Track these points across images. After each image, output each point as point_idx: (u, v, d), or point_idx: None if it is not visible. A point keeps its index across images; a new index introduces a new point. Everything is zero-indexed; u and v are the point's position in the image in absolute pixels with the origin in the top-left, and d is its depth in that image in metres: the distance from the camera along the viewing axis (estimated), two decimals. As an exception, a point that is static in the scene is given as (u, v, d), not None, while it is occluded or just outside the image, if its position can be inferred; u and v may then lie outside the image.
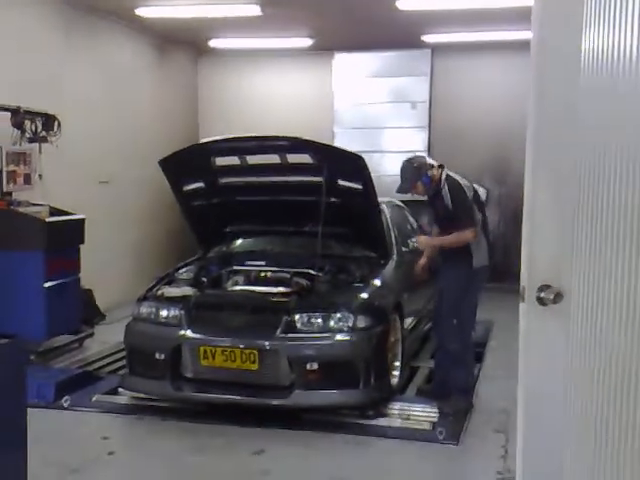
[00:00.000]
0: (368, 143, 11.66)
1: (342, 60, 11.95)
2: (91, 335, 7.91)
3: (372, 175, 6.04)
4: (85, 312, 8.00)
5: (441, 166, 5.76)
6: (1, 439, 3.06)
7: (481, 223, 5.78)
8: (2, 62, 7.50)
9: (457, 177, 5.73)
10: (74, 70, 8.87)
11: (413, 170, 5.69)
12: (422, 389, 6.27)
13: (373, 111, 11.96)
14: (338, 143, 11.20)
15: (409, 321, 6.62)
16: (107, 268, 9.35)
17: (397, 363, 6.17)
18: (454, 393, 5.83)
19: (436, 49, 11.52)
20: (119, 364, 6.81)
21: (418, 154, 5.84)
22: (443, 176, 5.68)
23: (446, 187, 5.65)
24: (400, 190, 5.80)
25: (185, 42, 11.58)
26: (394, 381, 6.03)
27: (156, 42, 10.95)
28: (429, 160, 5.84)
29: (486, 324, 8.54)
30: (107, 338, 7.72)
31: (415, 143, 11.76)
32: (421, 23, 9.93)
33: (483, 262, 5.77)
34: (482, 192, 5.87)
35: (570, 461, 2.55)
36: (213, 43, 11.36)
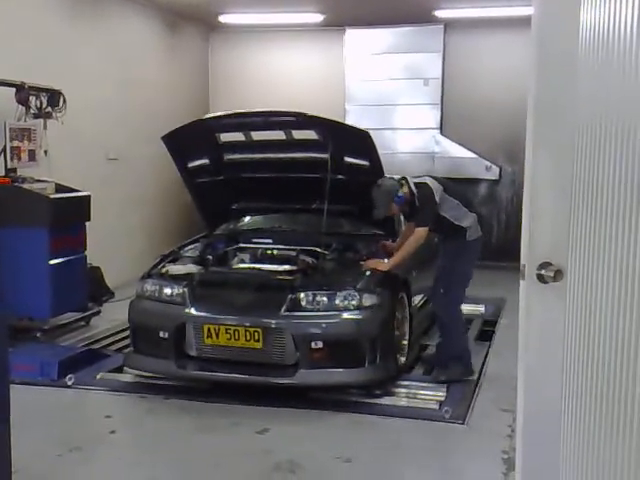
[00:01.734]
0: (380, 120, 11.54)
1: (353, 36, 11.79)
2: (98, 313, 7.89)
3: (383, 152, 5.98)
4: (93, 290, 7.98)
5: (404, 178, 5.82)
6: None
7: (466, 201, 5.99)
8: (7, 37, 7.44)
9: (427, 180, 5.81)
10: (81, 46, 8.79)
11: (383, 195, 5.74)
12: (424, 357, 6.41)
13: (385, 88, 11.80)
14: (350, 120, 11.13)
15: (417, 299, 6.55)
16: (116, 246, 9.34)
17: (405, 341, 6.12)
18: (449, 362, 5.93)
19: (449, 25, 11.35)
20: (126, 342, 6.76)
21: (385, 178, 5.89)
22: (413, 188, 5.75)
23: (417, 196, 5.75)
24: (377, 215, 5.85)
25: (196, 18, 11.46)
26: (401, 360, 5.98)
27: (166, 17, 10.85)
28: (395, 178, 5.86)
29: (498, 302, 8.47)
30: (115, 316, 7.67)
31: (427, 120, 11.66)
32: (433, -3, 9.77)
33: (476, 234, 5.88)
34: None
35: (568, 436, 2.53)
36: (224, 18, 11.25)
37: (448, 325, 6.01)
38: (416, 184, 5.77)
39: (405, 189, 5.74)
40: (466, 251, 5.90)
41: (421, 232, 5.71)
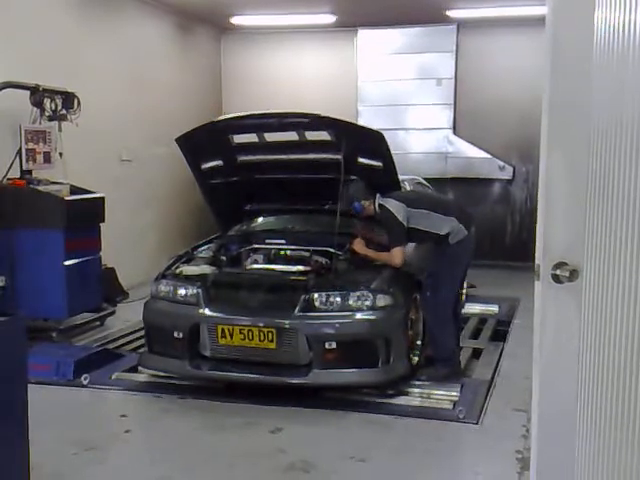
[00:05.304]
0: (393, 120, 11.56)
1: (366, 36, 11.81)
2: (113, 313, 7.94)
3: (396, 152, 5.98)
4: (108, 290, 8.03)
5: (374, 196, 5.94)
6: (2, 415, 3.06)
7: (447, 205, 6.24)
8: (21, 41, 7.51)
9: (392, 204, 5.85)
10: (94, 48, 8.86)
11: (347, 195, 5.95)
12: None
13: (398, 88, 11.80)
14: (362, 120, 11.15)
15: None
16: (130, 246, 9.40)
17: (418, 342, 6.12)
18: (436, 363, 6.03)
19: (461, 25, 11.35)
20: (140, 342, 6.81)
21: (358, 182, 6.03)
22: (376, 207, 5.90)
23: (379, 215, 5.90)
24: (339, 207, 5.96)
25: (208, 19, 11.51)
26: (415, 360, 5.98)
27: (178, 19, 10.91)
28: (365, 189, 5.98)
29: (512, 302, 8.45)
30: (129, 316, 7.76)
31: (440, 120, 11.65)
32: (445, -3, 9.77)
33: (460, 236, 5.89)
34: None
35: (583, 436, 2.52)
36: (236, 20, 11.30)
37: (434, 327, 6.04)
38: (379, 205, 5.87)
39: (368, 203, 5.91)
40: (452, 254, 5.93)
41: (396, 253, 5.75)
